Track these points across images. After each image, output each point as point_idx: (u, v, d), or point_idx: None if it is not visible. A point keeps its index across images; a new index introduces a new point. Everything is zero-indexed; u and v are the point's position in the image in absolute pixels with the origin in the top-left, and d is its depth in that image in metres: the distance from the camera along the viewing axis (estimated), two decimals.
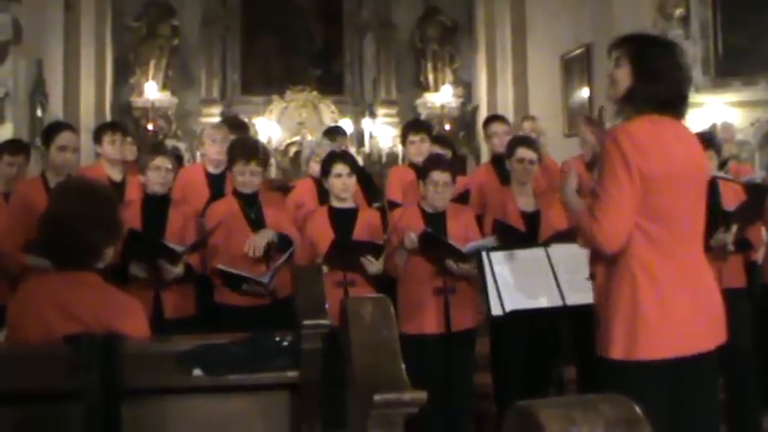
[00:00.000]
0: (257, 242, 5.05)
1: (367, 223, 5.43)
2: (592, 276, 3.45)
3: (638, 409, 1.14)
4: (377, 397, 1.85)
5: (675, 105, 3.34)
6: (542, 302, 4.79)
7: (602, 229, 3.19)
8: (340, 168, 5.38)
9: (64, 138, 5.47)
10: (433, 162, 5.47)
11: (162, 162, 5.24)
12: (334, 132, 7.85)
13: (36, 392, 2.60)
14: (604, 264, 3.31)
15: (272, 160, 12.74)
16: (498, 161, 6.34)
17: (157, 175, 5.21)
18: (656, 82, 3.30)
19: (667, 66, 3.34)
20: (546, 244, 4.96)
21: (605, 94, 3.62)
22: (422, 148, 6.29)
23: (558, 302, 4.76)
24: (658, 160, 3.19)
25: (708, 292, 3.34)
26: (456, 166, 5.68)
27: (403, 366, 2.01)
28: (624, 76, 3.36)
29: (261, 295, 5.10)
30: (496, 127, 6.79)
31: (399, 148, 13.97)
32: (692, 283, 3.28)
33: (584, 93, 11.95)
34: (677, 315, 3.18)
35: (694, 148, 3.40)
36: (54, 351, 2.67)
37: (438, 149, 6.46)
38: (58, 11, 12.19)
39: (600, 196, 3.24)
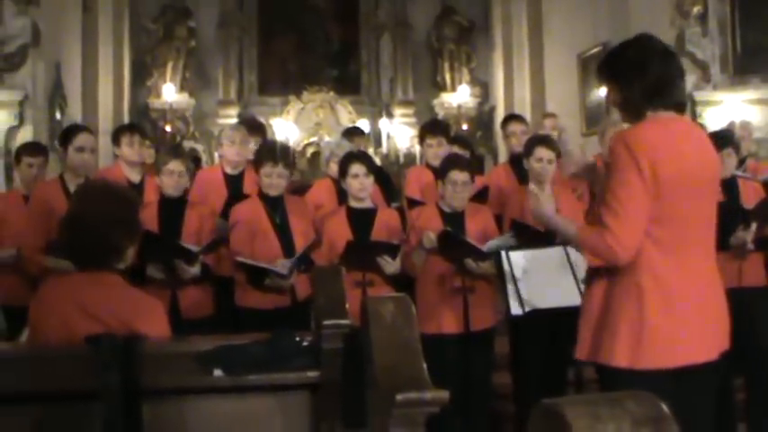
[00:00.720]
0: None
1: (386, 223, 5.43)
2: (587, 281, 3.38)
3: (664, 407, 1.13)
4: (399, 396, 1.84)
5: (671, 95, 3.22)
6: (562, 301, 4.76)
7: (620, 240, 3.05)
8: (357, 168, 5.39)
9: (81, 139, 5.50)
10: (451, 162, 5.46)
11: (175, 166, 5.27)
12: (352, 133, 7.82)
13: (57, 392, 2.61)
14: (606, 269, 3.19)
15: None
16: (516, 161, 6.32)
17: (170, 179, 5.24)
18: (639, 77, 3.21)
19: (641, 60, 3.23)
20: (565, 243, 4.93)
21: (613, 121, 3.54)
22: (439, 151, 6.26)
23: (577, 301, 4.71)
24: (670, 160, 3.08)
25: (715, 298, 3.25)
26: (474, 166, 5.66)
27: (424, 366, 2.00)
28: (616, 96, 3.31)
29: (283, 290, 5.13)
30: (514, 126, 6.76)
31: (417, 149, 13.95)
32: (700, 289, 3.17)
33: (602, 91, 11.88)
34: (684, 323, 3.08)
35: (706, 148, 3.29)
36: (75, 351, 2.68)
37: (457, 149, 6.43)
38: (76, 14, 12.22)
39: (610, 205, 3.10)
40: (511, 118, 7.17)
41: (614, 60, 3.35)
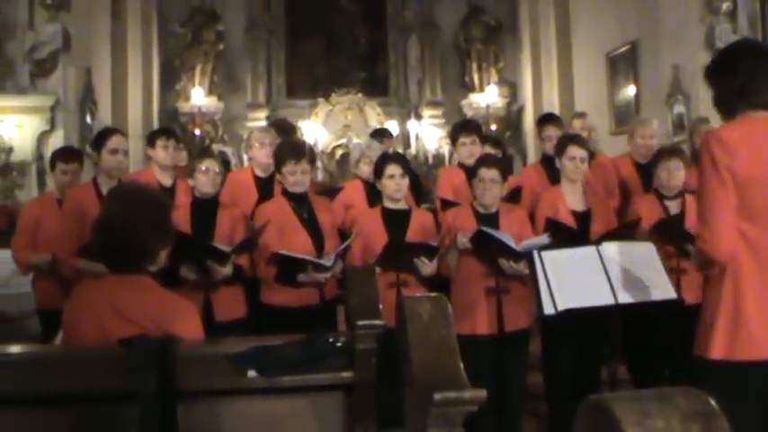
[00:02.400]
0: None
1: (421, 224, 5.42)
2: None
3: (713, 403, 1.11)
4: (437, 395, 1.83)
5: (759, 95, 3.30)
6: (594, 301, 4.72)
7: (706, 240, 3.24)
8: (393, 169, 5.38)
9: (114, 141, 5.53)
10: (481, 160, 5.48)
11: (210, 164, 5.29)
12: (382, 134, 7.81)
13: (92, 394, 2.61)
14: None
15: (318, 163, 12.77)
16: (548, 160, 6.29)
17: (206, 177, 5.26)
18: (727, 78, 3.33)
19: (734, 60, 3.36)
20: (597, 242, 4.90)
21: None
22: (473, 149, 6.24)
23: (610, 301, 4.70)
24: (750, 160, 3.18)
25: None
26: (505, 165, 5.63)
27: (461, 365, 1.99)
28: (713, 95, 3.44)
29: (314, 286, 5.12)
30: (551, 131, 6.66)
31: (446, 150, 13.95)
32: None
33: (631, 90, 11.84)
34: None
35: None
36: (110, 354, 2.69)
37: (488, 149, 6.41)
38: (106, 19, 12.32)
39: (701, 214, 3.32)
40: (548, 120, 7.04)
41: (712, 61, 3.49)
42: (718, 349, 3.20)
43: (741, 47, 3.47)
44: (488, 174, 5.26)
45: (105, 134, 5.69)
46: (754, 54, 3.37)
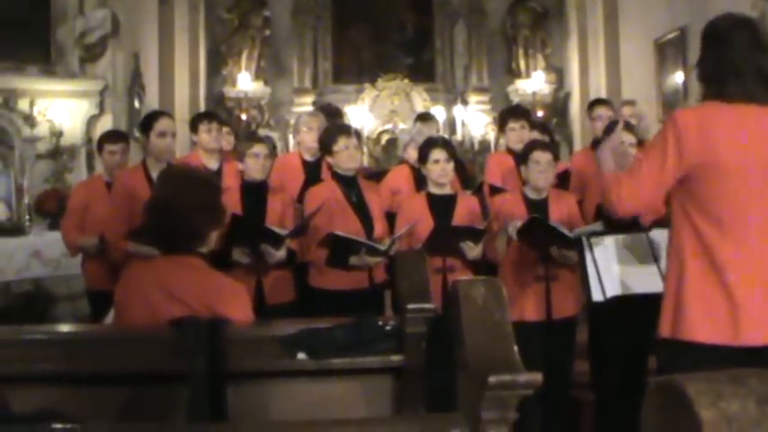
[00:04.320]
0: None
1: (467, 209, 5.38)
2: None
3: None
4: (491, 379, 1.81)
5: (722, 87, 3.21)
6: (644, 288, 4.67)
7: (622, 196, 3.27)
8: (438, 154, 5.34)
9: (163, 124, 5.56)
10: (533, 144, 5.42)
11: (260, 149, 5.28)
12: (427, 118, 7.76)
13: (142, 375, 2.64)
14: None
15: (364, 148, 12.76)
16: (598, 145, 6.23)
17: (256, 161, 5.24)
18: (706, 62, 3.30)
19: (717, 44, 3.29)
20: (647, 229, 4.84)
21: None
22: (522, 134, 6.19)
23: (659, 289, 4.63)
24: (701, 148, 3.11)
25: None
26: (555, 149, 5.59)
27: (515, 348, 1.97)
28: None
29: (364, 270, 5.13)
30: (601, 110, 6.62)
31: (492, 136, 13.88)
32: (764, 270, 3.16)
33: (679, 78, 11.65)
34: (747, 304, 3.10)
35: None
36: (160, 334, 2.71)
37: (537, 135, 6.35)
38: (153, 4, 12.38)
39: (634, 163, 3.36)
40: (598, 102, 7.03)
41: (709, 32, 3.42)
42: (665, 327, 3.24)
43: (708, 32, 3.40)
44: (543, 157, 5.20)
45: (153, 117, 5.72)
46: (721, 41, 3.30)
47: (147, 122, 5.65)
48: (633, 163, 3.37)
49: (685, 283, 3.17)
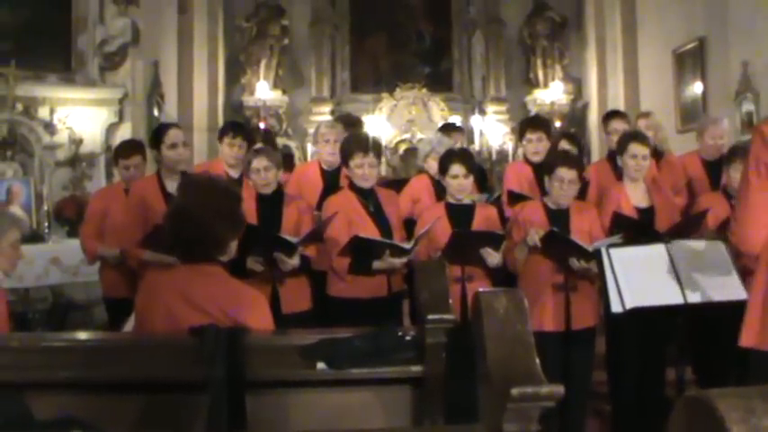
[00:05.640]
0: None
1: (486, 218, 5.38)
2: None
3: None
4: (514, 391, 1.80)
5: None
6: (663, 300, 4.66)
7: (735, 233, 3.27)
8: (457, 169, 5.32)
9: (172, 135, 5.56)
10: (560, 158, 5.34)
11: (259, 163, 5.23)
12: (449, 128, 7.71)
13: (162, 382, 2.63)
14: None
15: (382, 158, 12.74)
16: (614, 156, 6.20)
17: (258, 176, 5.23)
18: None
19: None
20: (667, 240, 4.82)
21: None
22: (539, 146, 6.16)
23: (679, 300, 4.64)
24: None
25: None
26: (582, 164, 5.54)
27: (537, 360, 1.96)
28: None
29: (388, 273, 5.13)
30: (616, 124, 6.61)
31: (509, 146, 13.85)
32: None
33: (698, 88, 11.62)
34: None
35: None
36: (180, 342, 2.70)
37: (565, 144, 6.30)
38: (173, 13, 12.45)
39: (737, 198, 3.33)
40: (614, 115, 7.02)
41: None
42: (748, 336, 3.21)
43: None
44: (568, 174, 5.15)
45: (162, 130, 5.72)
46: None
47: (157, 136, 5.66)
48: (739, 194, 3.34)
49: None
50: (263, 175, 5.22)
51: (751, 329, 3.20)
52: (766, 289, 3.17)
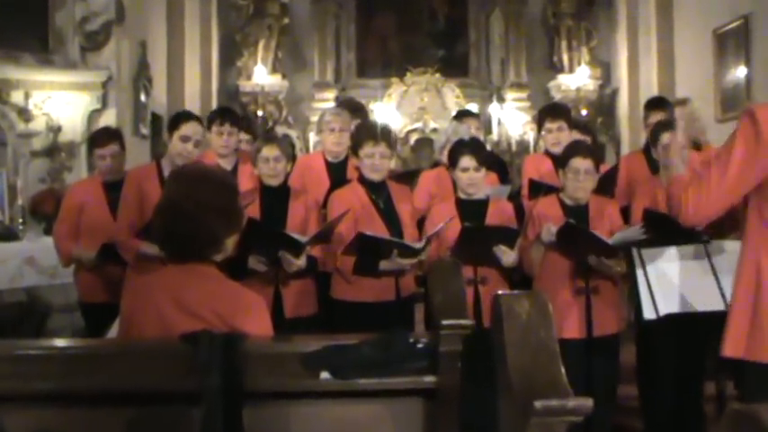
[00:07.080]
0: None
1: (499, 212, 5.38)
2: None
3: None
4: (538, 404, 1.81)
5: None
6: (701, 306, 4.66)
7: (696, 204, 3.28)
8: (467, 162, 5.32)
9: (187, 128, 5.54)
10: (573, 148, 5.37)
11: (269, 152, 5.28)
12: (464, 115, 7.68)
13: (151, 393, 2.64)
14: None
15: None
16: (650, 149, 6.20)
17: (266, 166, 5.26)
18: None
19: None
20: (705, 240, 4.81)
21: None
22: (560, 136, 6.16)
23: (718, 306, 4.62)
24: None
25: None
26: (598, 154, 5.55)
27: (563, 370, 1.96)
28: None
29: (396, 274, 5.15)
30: (658, 116, 6.58)
31: (530, 136, 13.85)
32: None
33: (741, 72, 11.58)
34: None
35: None
36: (171, 349, 2.71)
37: (577, 136, 6.32)
38: None
39: (710, 165, 3.28)
40: (654, 106, 6.98)
41: None
42: (730, 346, 3.28)
43: None
44: (583, 164, 5.17)
45: (180, 118, 5.68)
46: None
47: (174, 122, 5.66)
48: (702, 167, 3.33)
49: (764, 299, 3.15)
50: (273, 165, 5.26)
51: (737, 338, 3.26)
52: (755, 294, 3.20)
